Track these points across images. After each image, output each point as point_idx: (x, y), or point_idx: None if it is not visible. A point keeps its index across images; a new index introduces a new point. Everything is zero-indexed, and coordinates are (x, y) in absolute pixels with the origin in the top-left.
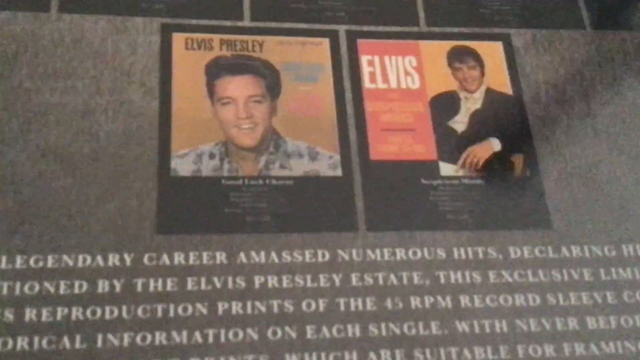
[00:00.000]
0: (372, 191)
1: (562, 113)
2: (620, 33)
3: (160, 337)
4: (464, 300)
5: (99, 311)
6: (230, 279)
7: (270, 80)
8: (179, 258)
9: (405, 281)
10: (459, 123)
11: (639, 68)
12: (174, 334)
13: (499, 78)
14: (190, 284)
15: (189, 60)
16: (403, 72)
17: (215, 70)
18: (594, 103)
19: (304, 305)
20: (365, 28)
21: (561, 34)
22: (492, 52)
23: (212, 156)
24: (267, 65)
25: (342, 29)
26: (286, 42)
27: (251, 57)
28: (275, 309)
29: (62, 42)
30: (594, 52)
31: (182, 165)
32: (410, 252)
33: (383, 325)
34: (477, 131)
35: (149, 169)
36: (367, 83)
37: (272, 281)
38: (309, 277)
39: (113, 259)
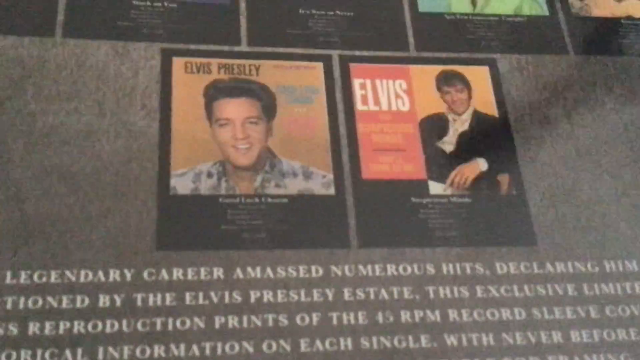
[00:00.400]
0: (364, 209)
1: (546, 134)
2: (602, 58)
3: (159, 350)
4: (452, 315)
5: (100, 325)
6: (227, 294)
7: (266, 103)
8: (177, 273)
9: (395, 296)
10: (448, 144)
11: (620, 91)
12: (173, 347)
13: (485, 101)
14: (188, 299)
15: (188, 83)
16: (394, 95)
17: (214, 93)
18: (577, 125)
19: (298, 319)
20: (358, 53)
21: (545, 59)
22: (478, 76)
23: (210, 175)
24: (263, 88)
25: (335, 53)
26: (281, 66)
27: (248, 80)
28: (270, 323)
29: (66, 66)
30: (576, 76)
31: (181, 184)
32: (400, 268)
33: (374, 338)
34: (465, 151)
35: (149, 187)
36: (359, 105)
37: (267, 296)
38: (302, 292)
39: (114, 275)
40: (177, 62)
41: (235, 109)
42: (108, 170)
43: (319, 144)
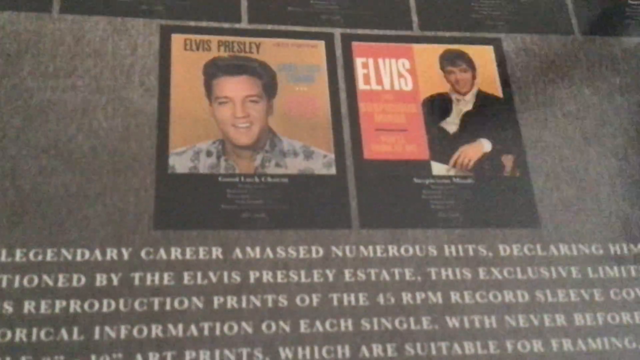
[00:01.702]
0: (366, 189)
1: (551, 115)
2: (607, 39)
3: (156, 330)
4: (454, 297)
5: (96, 304)
6: (225, 274)
7: (267, 81)
8: (175, 253)
9: (397, 277)
10: (451, 124)
11: (626, 73)
12: (170, 327)
13: (489, 81)
14: (186, 279)
15: (187, 60)
16: (396, 75)
17: (213, 71)
18: (582, 106)
19: (297, 300)
20: (360, 31)
21: (550, 39)
22: (483, 55)
23: (209, 154)
24: (263, 66)
25: (337, 32)
26: (283, 44)
27: (248, 58)
28: (270, 304)
29: (63, 42)
30: (582, 56)
31: (179, 163)
32: (402, 249)
33: (375, 320)
34: (469, 132)
35: (147, 165)
36: (361, 84)
37: (266, 276)
38: (302, 273)
39: (111, 253)
40: (176, 39)
41: (235, 87)
42: (105, 148)
43: (320, 123)
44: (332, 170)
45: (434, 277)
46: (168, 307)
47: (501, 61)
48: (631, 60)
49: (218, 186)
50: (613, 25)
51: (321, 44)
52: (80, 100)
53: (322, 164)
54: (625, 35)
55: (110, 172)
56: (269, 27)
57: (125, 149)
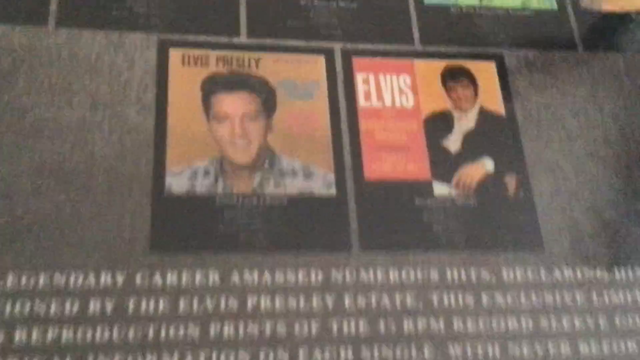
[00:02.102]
0: (366, 211)
1: (554, 133)
2: (611, 54)
3: (151, 359)
4: (457, 323)
5: (90, 332)
6: (223, 299)
7: (266, 97)
8: (171, 277)
9: (398, 303)
10: (453, 142)
11: (631, 89)
12: (166, 355)
13: (492, 98)
14: (182, 304)
15: (185, 76)
16: (397, 91)
17: (211, 87)
18: (586, 124)
19: (296, 327)
20: (361, 46)
21: (553, 55)
22: (485, 71)
23: (206, 173)
24: (262, 82)
25: (337, 46)
26: (282, 59)
27: (247, 74)
28: (268, 331)
29: (59, 57)
30: (585, 73)
31: (176, 183)
32: (403, 273)
33: (376, 348)
34: (471, 150)
35: (143, 186)
36: (361, 101)
37: (265, 302)
38: (302, 298)
39: (105, 277)
40: (174, 54)
41: (233, 103)
42: (101, 168)
43: (320, 141)
44: (332, 191)
45: (435, 303)
46: (163, 334)
47: (503, 77)
48: (636, 76)
49: (215, 207)
50: (617, 40)
51: (321, 59)
52: (76, 117)
53: (322, 183)
54: (629, 51)
55: (105, 193)
56: (268, 41)
57: (121, 168)
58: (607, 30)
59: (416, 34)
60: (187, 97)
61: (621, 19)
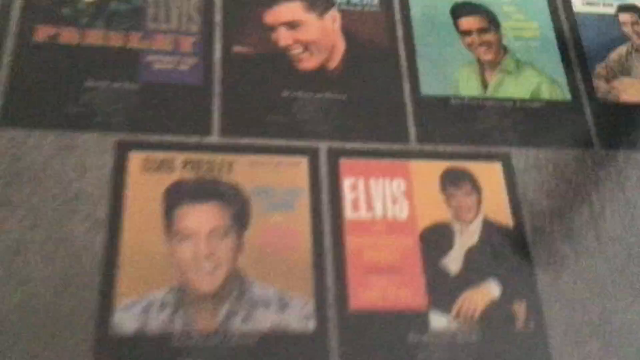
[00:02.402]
0: (351, 349)
1: (569, 249)
2: (633, 153)
3: None
4: None
5: None
6: None
7: (238, 210)
8: None
9: None
10: (453, 261)
11: None
12: None
13: (497, 206)
14: None
15: (145, 184)
16: (390, 199)
17: (176, 197)
18: (606, 236)
19: None
20: (350, 145)
21: (567, 154)
22: (490, 174)
23: (163, 306)
24: (235, 191)
25: (323, 146)
26: (259, 162)
27: (218, 181)
28: None
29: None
30: (604, 174)
31: (125, 320)
32: None
33: None
34: (474, 272)
35: (87, 323)
36: (349, 212)
37: None
38: None
39: None
40: (135, 158)
41: (200, 217)
42: (38, 300)
43: (299, 263)
44: (311, 325)
45: None
46: None
47: (510, 181)
48: None
49: (171, 351)
50: (636, 138)
51: (304, 162)
52: (12, 239)
53: (299, 315)
54: None
55: (41, 332)
56: (244, 141)
57: (62, 301)
58: (627, 126)
59: (412, 130)
60: (147, 210)
61: None
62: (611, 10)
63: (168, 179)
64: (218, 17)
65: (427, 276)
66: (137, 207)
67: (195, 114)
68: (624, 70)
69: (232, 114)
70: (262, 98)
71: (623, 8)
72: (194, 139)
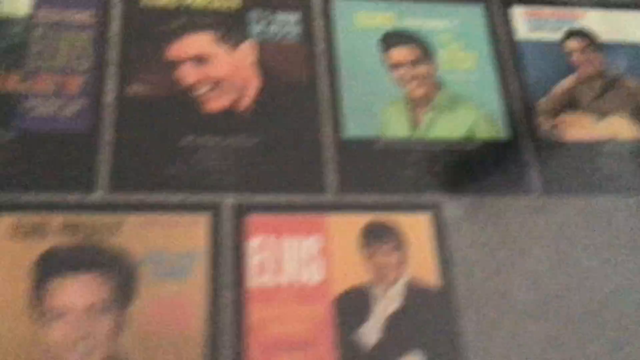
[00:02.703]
0: None
1: (505, 313)
2: (578, 198)
3: None
4: None
5: None
6: None
7: (122, 281)
8: None
9: None
10: (371, 331)
11: (603, 243)
12: None
13: (425, 264)
14: None
15: (13, 254)
16: (303, 261)
17: (47, 269)
18: (548, 296)
19: None
20: (258, 198)
21: (505, 201)
22: (417, 228)
23: None
24: (120, 259)
25: (227, 201)
26: (152, 222)
27: (99, 247)
28: None
29: None
30: (545, 224)
31: None
32: None
33: None
34: (394, 343)
35: None
36: (254, 277)
37: None
38: None
39: None
40: (3, 222)
41: (75, 292)
42: None
43: (192, 340)
44: None
45: None
46: None
47: (441, 235)
48: (608, 226)
49: None
50: (585, 178)
51: (204, 220)
52: None
53: None
54: (601, 192)
55: None
56: (136, 197)
57: None
58: (572, 167)
59: (331, 179)
60: (12, 287)
61: (589, 151)
62: (558, 37)
63: (40, 247)
64: (113, 53)
65: (341, 350)
66: (1, 283)
67: (78, 167)
68: (570, 104)
69: (123, 166)
70: (160, 146)
71: (571, 34)
72: (75, 197)
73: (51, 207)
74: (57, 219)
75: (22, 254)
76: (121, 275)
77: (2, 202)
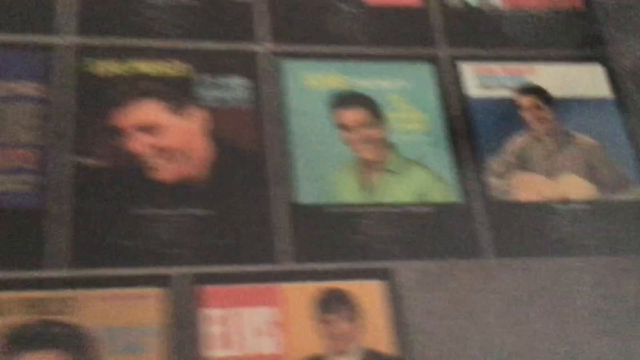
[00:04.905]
0: None
1: None
2: (529, 260)
3: None
4: None
5: None
6: None
7: (81, 358)
8: None
9: None
10: None
11: (554, 306)
12: None
13: (380, 332)
14: None
15: None
16: (257, 331)
17: (7, 347)
18: None
19: None
20: (212, 269)
21: (457, 265)
22: (370, 295)
23: None
24: (77, 335)
25: (180, 272)
26: (106, 296)
27: (56, 322)
28: None
29: None
30: (497, 286)
31: None
32: None
33: None
34: None
35: None
36: (209, 350)
37: None
38: None
39: None
40: None
41: None
42: None
43: None
44: None
45: None
46: None
47: (395, 302)
48: (559, 289)
49: None
50: (537, 240)
51: (158, 293)
52: None
53: None
54: (552, 255)
55: None
56: (89, 273)
57: None
58: (524, 229)
59: (284, 247)
60: None
61: (542, 211)
62: (509, 94)
63: None
64: (62, 124)
65: None
66: None
67: (30, 243)
68: (521, 163)
69: (76, 241)
70: (112, 218)
71: (523, 90)
72: (28, 275)
73: (4, 284)
74: (11, 297)
75: None
76: (80, 353)
77: None
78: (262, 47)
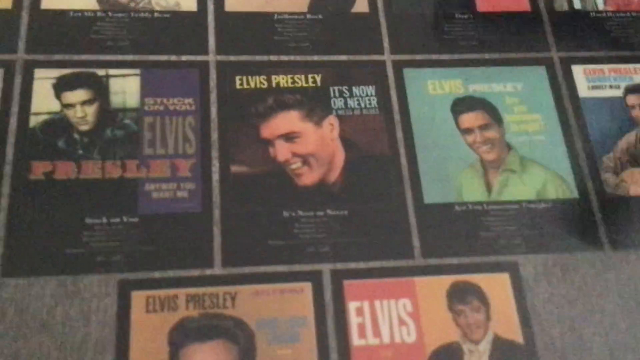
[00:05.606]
0: None
1: None
2: None
3: None
4: None
5: None
6: None
7: (245, 345)
8: None
9: None
10: None
11: None
12: None
13: (507, 321)
14: None
15: (149, 325)
16: (397, 321)
17: (180, 337)
18: (618, 348)
19: None
20: (353, 265)
21: (576, 258)
22: (497, 287)
23: None
24: (240, 326)
25: (326, 268)
26: (262, 291)
27: (222, 315)
28: None
29: (4, 315)
30: (613, 278)
31: None
32: None
33: None
34: None
35: None
36: (355, 339)
37: None
38: None
39: None
40: (137, 298)
41: (206, 357)
42: None
43: None
44: None
45: None
46: None
47: (519, 293)
48: None
49: None
50: None
51: (307, 287)
52: None
53: None
54: None
55: None
56: (246, 270)
57: None
58: (637, 222)
59: (416, 244)
60: (152, 354)
61: None
62: (618, 93)
63: (172, 318)
64: (214, 136)
65: None
66: (143, 352)
67: (195, 244)
68: (633, 160)
69: (233, 241)
70: (263, 221)
71: (631, 89)
72: (195, 273)
73: (176, 283)
74: (182, 293)
75: (158, 325)
76: (243, 341)
77: (134, 281)
78: (386, 57)
